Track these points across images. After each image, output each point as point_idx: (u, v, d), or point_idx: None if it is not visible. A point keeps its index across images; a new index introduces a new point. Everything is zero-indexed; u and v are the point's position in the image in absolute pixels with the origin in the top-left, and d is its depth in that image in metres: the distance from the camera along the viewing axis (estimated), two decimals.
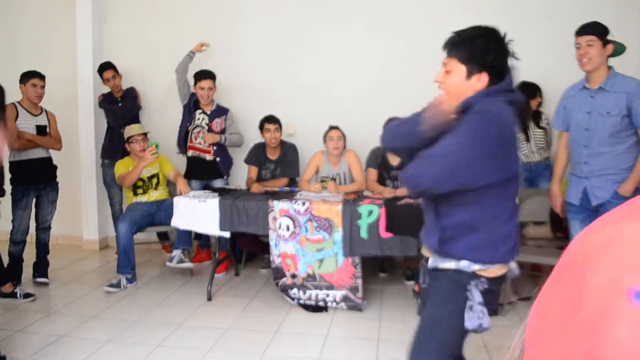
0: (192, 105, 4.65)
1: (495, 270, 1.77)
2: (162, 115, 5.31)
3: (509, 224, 1.78)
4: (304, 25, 5.14)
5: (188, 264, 4.30)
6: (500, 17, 4.74)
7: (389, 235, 3.55)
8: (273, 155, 4.61)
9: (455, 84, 1.78)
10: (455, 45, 1.81)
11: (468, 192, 1.72)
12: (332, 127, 4.42)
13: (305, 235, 3.69)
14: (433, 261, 1.85)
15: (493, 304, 1.83)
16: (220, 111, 4.73)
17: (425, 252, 1.95)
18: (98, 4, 5.37)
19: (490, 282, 1.77)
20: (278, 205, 3.72)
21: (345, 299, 3.70)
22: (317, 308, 3.73)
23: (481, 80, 1.74)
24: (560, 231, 3.80)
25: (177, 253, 4.37)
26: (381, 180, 4.34)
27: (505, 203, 1.78)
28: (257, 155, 4.60)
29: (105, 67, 4.96)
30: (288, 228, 3.71)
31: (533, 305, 0.38)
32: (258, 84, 5.24)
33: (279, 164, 4.60)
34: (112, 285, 4.12)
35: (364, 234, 3.58)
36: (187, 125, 4.65)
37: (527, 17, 4.73)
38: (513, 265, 1.84)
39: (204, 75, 4.59)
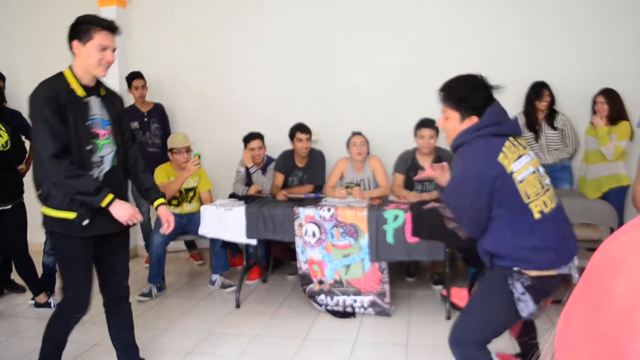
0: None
1: (535, 272, 2.04)
2: (186, 127, 5.37)
3: (532, 237, 2.04)
4: (326, 31, 5.18)
5: (233, 287, 4.31)
6: (518, 17, 4.75)
7: (415, 239, 3.54)
8: (301, 163, 4.64)
9: (453, 127, 2.20)
10: (444, 97, 2.24)
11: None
12: (355, 133, 4.43)
13: (332, 242, 3.70)
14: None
15: (536, 296, 2.04)
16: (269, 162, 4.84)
17: None
18: (122, 16, 5.48)
19: (533, 279, 2.04)
20: (304, 212, 3.74)
21: (372, 304, 3.70)
22: (344, 314, 3.74)
23: (472, 121, 2.14)
24: None
25: (217, 277, 4.45)
26: (409, 183, 4.33)
27: (519, 218, 2.05)
28: (286, 163, 4.64)
29: (136, 76, 5.06)
30: (314, 234, 3.73)
31: (562, 311, 0.39)
32: (281, 90, 5.28)
33: (307, 171, 4.62)
34: (143, 295, 4.19)
35: (390, 239, 3.58)
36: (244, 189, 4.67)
37: (546, 18, 4.70)
38: (569, 270, 2.09)
39: (253, 136, 4.64)
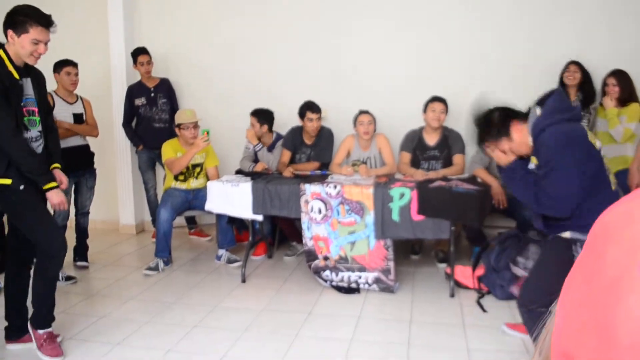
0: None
1: None
2: (193, 103, 5.36)
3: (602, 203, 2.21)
4: (335, 8, 5.12)
5: (239, 262, 4.35)
6: (517, 9, 4.67)
7: (420, 218, 3.55)
8: (309, 140, 4.64)
9: (515, 149, 2.43)
10: (485, 135, 2.51)
11: None
12: (362, 112, 4.41)
13: (337, 218, 3.72)
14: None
15: None
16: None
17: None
18: None
19: None
20: (310, 189, 3.75)
21: (377, 280, 3.72)
22: (349, 290, 3.77)
23: (521, 129, 2.41)
24: None
25: (223, 252, 4.48)
26: (415, 162, 4.34)
27: (602, 189, 2.28)
28: (294, 140, 4.63)
29: (142, 51, 5.04)
30: (320, 211, 3.74)
31: (564, 281, 0.40)
32: (288, 67, 5.25)
33: (314, 149, 4.62)
34: (150, 269, 4.23)
35: (395, 216, 3.59)
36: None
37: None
38: None
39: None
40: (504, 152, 2.45)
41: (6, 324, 2.98)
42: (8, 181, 2.64)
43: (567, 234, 2.34)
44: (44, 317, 2.89)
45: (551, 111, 2.29)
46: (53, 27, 2.66)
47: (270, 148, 4.69)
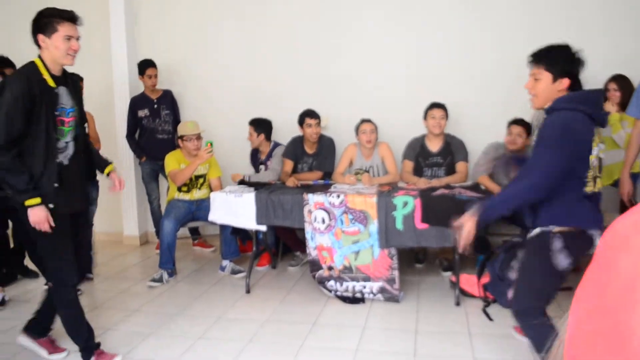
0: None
1: (569, 228, 2.29)
2: (196, 114, 5.37)
3: (578, 205, 2.31)
4: (334, 16, 5.14)
5: (242, 273, 4.34)
6: (519, 12, 4.68)
7: (424, 226, 3.54)
8: (311, 149, 4.64)
9: (544, 88, 2.30)
10: (537, 57, 2.32)
11: None
12: (364, 120, 4.42)
13: (341, 228, 3.71)
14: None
15: (572, 251, 2.28)
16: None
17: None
18: (130, 3, 5.47)
19: (567, 235, 2.28)
20: (313, 199, 3.74)
21: (382, 290, 3.71)
22: (354, 300, 3.75)
23: (564, 83, 2.26)
24: None
25: (227, 263, 4.49)
26: (418, 169, 4.33)
27: (574, 187, 2.28)
28: (295, 150, 4.64)
29: (149, 64, 5.07)
30: (323, 221, 3.73)
31: (576, 289, 0.40)
32: (289, 77, 5.27)
33: (316, 158, 4.63)
34: (154, 280, 4.23)
35: (399, 225, 3.58)
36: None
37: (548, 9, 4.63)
38: (595, 236, 2.31)
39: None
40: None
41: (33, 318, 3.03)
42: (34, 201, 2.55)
43: (536, 230, 2.35)
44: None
45: (577, 99, 2.26)
46: (79, 21, 2.63)
47: (268, 156, 4.70)
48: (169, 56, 5.48)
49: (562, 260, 2.27)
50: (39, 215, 2.55)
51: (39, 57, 2.60)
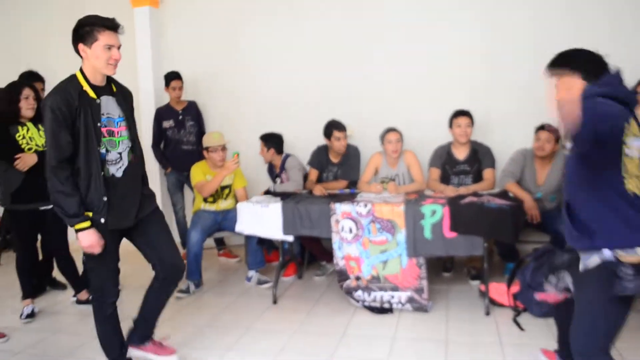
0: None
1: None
2: (221, 125, 5.40)
3: (623, 209, 2.00)
4: (356, 25, 5.16)
5: (269, 284, 4.35)
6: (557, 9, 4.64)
7: (453, 235, 3.51)
8: (336, 158, 4.65)
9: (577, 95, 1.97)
10: (572, 62, 2.10)
11: None
12: (389, 129, 4.39)
13: (369, 237, 3.69)
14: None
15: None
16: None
17: None
18: (155, 15, 5.54)
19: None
20: (340, 208, 3.73)
21: (410, 300, 3.67)
22: (382, 310, 3.72)
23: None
24: None
25: (253, 274, 4.48)
26: (445, 177, 4.30)
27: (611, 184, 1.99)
28: (320, 159, 4.66)
29: (175, 77, 5.13)
30: (351, 230, 3.72)
31: None
32: (313, 85, 5.29)
33: (341, 167, 4.62)
34: (181, 291, 4.24)
35: (427, 234, 3.55)
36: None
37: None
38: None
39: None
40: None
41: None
42: (88, 213, 2.53)
43: (595, 260, 2.02)
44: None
45: (599, 84, 2.01)
46: (121, 29, 2.54)
47: (281, 169, 4.72)
48: (194, 68, 5.54)
49: (628, 285, 1.95)
50: (90, 240, 2.50)
51: (80, 68, 2.55)
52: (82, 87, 2.49)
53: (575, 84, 2.07)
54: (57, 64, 5.80)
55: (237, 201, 4.63)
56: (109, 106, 2.58)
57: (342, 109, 5.03)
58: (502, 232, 3.47)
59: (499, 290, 3.74)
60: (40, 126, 3.84)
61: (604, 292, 2.00)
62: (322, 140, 4.68)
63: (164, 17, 5.63)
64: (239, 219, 4.07)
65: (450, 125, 4.27)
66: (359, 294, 3.79)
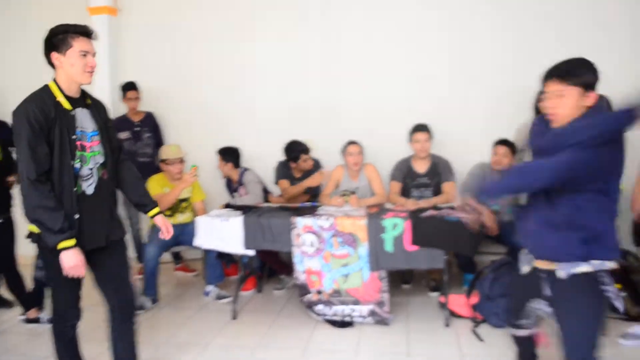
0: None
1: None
2: (180, 137, 5.31)
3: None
4: (319, 40, 5.18)
5: (229, 299, 4.26)
6: (510, 32, 4.77)
7: (414, 248, 3.53)
8: (299, 174, 4.68)
9: (571, 105, 2.06)
10: (567, 70, 2.08)
11: None
12: (350, 142, 4.41)
13: (330, 251, 3.67)
14: None
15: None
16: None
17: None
18: (113, 24, 5.42)
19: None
20: (301, 222, 3.71)
21: (372, 313, 3.67)
22: (343, 323, 3.71)
23: (591, 97, 2.05)
24: None
25: (211, 288, 4.39)
26: (406, 190, 4.34)
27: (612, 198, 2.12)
28: (285, 173, 4.67)
29: (131, 87, 5.02)
30: (312, 244, 3.69)
31: None
32: (273, 99, 5.27)
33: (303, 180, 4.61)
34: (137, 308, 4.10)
35: (389, 247, 3.56)
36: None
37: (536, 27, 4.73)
38: None
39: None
40: None
41: None
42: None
43: (586, 267, 2.07)
44: None
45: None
46: (94, 35, 2.42)
47: (239, 183, 4.68)
48: (153, 78, 5.42)
49: (618, 301, 2.11)
50: (75, 260, 2.31)
51: (54, 79, 2.40)
52: (56, 97, 2.35)
53: (570, 93, 2.06)
54: (9, 72, 5.64)
55: (195, 215, 4.54)
56: (83, 119, 2.43)
57: (302, 121, 5.04)
58: (462, 245, 3.53)
59: (458, 301, 3.80)
60: None
61: (595, 300, 2.09)
62: (281, 154, 4.65)
63: (122, 26, 5.50)
64: (198, 233, 3.99)
65: (410, 139, 4.32)
66: (320, 307, 3.76)
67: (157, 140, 5.16)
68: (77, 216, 2.38)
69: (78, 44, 2.34)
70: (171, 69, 5.46)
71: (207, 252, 4.29)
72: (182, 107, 5.45)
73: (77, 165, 2.38)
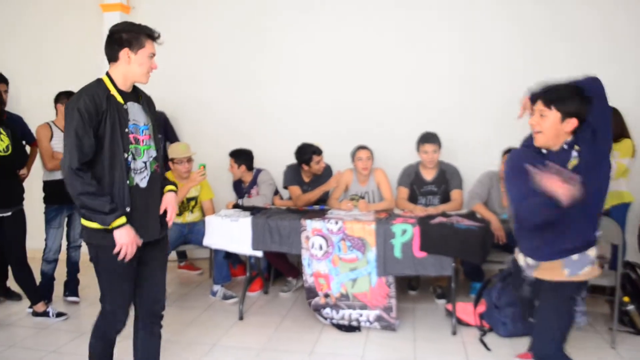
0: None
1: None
2: (187, 135, 5.33)
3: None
4: (329, 44, 5.19)
5: (235, 299, 4.28)
6: (518, 37, 4.77)
7: (423, 254, 3.53)
8: (308, 177, 4.67)
9: (549, 126, 2.18)
10: (552, 95, 2.18)
11: None
12: (360, 147, 4.41)
13: (339, 255, 3.68)
14: None
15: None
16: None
17: None
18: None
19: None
20: (311, 225, 3.71)
21: (378, 318, 3.67)
22: (349, 328, 3.71)
23: (573, 123, 2.15)
24: None
25: (218, 288, 4.40)
26: (413, 197, 4.34)
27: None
28: (295, 177, 4.65)
29: None
30: (321, 247, 3.70)
31: None
32: (283, 101, 5.28)
33: (313, 186, 4.60)
34: None
35: (397, 253, 3.56)
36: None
37: (545, 36, 4.73)
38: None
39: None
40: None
41: None
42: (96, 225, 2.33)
43: (565, 273, 2.21)
44: None
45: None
46: (160, 41, 2.47)
47: (251, 184, 4.68)
48: (164, 76, 5.41)
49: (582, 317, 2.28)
50: (128, 237, 2.30)
51: (107, 73, 2.42)
52: (109, 91, 2.36)
53: (550, 116, 2.17)
54: (20, 65, 5.65)
55: (203, 214, 4.55)
56: (135, 113, 2.43)
57: (311, 125, 5.05)
58: (471, 253, 3.52)
59: (465, 309, 3.79)
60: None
61: (567, 297, 2.25)
62: (290, 156, 4.65)
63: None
64: (208, 232, 4.00)
65: (418, 149, 4.31)
66: (327, 311, 3.76)
67: (168, 139, 5.17)
68: (128, 209, 2.36)
69: (150, 46, 2.41)
70: (182, 68, 5.47)
71: (215, 252, 4.30)
72: (192, 107, 5.47)
73: (130, 158, 2.37)
